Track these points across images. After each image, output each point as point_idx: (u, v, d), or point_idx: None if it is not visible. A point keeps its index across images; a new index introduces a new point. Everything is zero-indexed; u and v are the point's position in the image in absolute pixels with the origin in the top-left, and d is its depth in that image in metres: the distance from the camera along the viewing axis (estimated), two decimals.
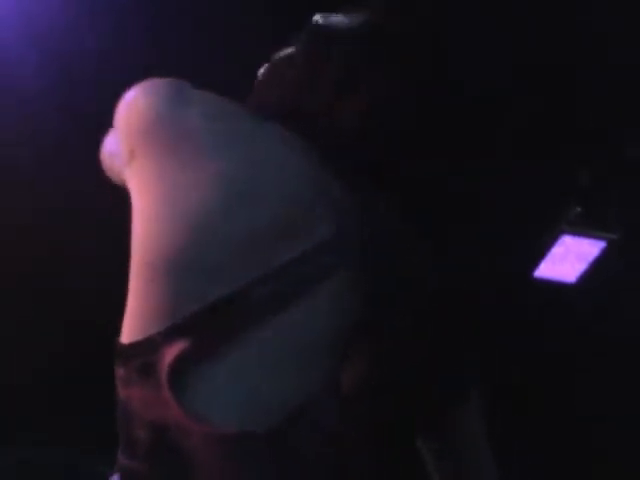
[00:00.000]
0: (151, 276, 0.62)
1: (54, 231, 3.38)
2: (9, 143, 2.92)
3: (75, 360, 4.21)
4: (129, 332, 0.63)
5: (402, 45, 0.73)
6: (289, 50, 0.80)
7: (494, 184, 2.71)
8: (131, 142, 0.70)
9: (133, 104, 0.72)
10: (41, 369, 4.34)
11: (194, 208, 0.63)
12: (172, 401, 0.58)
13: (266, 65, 0.81)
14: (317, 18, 0.77)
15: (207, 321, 0.59)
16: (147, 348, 0.60)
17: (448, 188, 2.35)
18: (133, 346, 0.62)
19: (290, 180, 0.67)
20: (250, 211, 0.64)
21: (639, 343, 3.31)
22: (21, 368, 4.24)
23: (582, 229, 2.94)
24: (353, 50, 0.72)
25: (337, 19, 0.75)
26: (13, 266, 3.63)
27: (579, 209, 2.88)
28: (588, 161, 2.74)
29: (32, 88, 2.61)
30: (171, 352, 0.58)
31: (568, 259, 3.08)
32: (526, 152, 2.73)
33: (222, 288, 0.61)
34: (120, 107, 0.74)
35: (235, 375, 0.60)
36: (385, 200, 0.68)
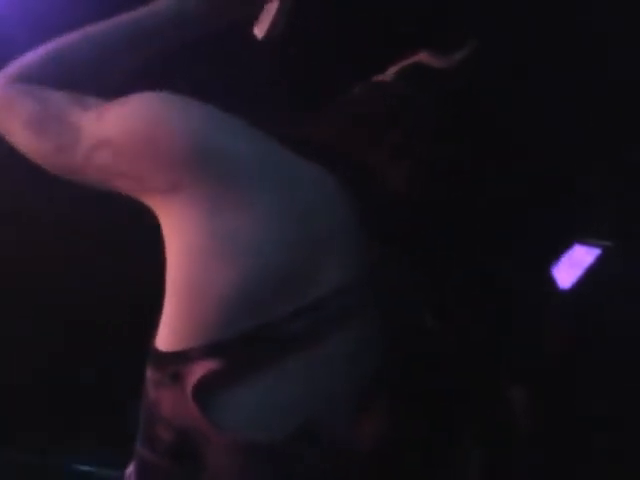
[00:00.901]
0: (193, 298, 0.65)
1: (54, 231, 3.39)
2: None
3: (75, 360, 4.22)
4: (166, 340, 0.66)
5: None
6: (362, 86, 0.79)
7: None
8: (175, 173, 0.66)
9: (171, 128, 0.67)
10: (41, 369, 4.34)
11: (242, 243, 0.65)
12: (195, 410, 0.62)
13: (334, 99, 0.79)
14: (422, 55, 0.77)
15: (239, 347, 0.63)
16: (181, 359, 0.64)
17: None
18: (169, 355, 0.65)
19: (329, 219, 0.69)
20: (292, 247, 0.66)
21: (636, 344, 3.32)
22: (21, 368, 4.24)
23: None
24: (430, 110, 0.73)
25: (438, 61, 0.75)
26: (13, 266, 3.64)
27: None
28: (586, 167, 2.73)
29: None
30: (201, 369, 0.63)
31: (562, 266, 3.07)
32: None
33: (259, 318, 0.64)
34: (146, 126, 0.68)
35: (258, 395, 0.64)
36: (410, 252, 0.69)
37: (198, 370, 0.63)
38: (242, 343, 0.63)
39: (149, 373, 0.67)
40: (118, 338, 4.04)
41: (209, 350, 0.63)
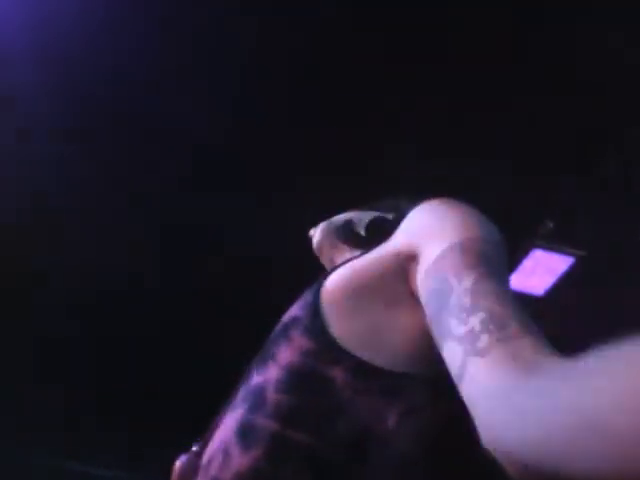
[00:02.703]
0: (428, 340, 0.71)
1: (53, 231, 3.37)
2: (12, 141, 2.92)
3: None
4: (384, 360, 0.74)
5: None
6: None
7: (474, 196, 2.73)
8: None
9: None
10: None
11: None
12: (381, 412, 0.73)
13: None
14: None
15: (424, 385, 0.74)
16: (406, 382, 0.73)
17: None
18: (389, 373, 0.73)
19: None
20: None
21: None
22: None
23: (553, 244, 3.07)
24: None
25: None
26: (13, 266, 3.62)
27: (551, 225, 2.98)
28: (563, 179, 2.79)
29: (32, 85, 2.60)
30: (415, 390, 0.73)
31: (537, 272, 3.26)
32: (505, 166, 2.79)
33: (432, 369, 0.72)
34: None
35: None
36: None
37: (414, 391, 0.73)
38: (424, 383, 0.74)
39: (349, 378, 0.74)
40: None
41: (423, 379, 0.74)
